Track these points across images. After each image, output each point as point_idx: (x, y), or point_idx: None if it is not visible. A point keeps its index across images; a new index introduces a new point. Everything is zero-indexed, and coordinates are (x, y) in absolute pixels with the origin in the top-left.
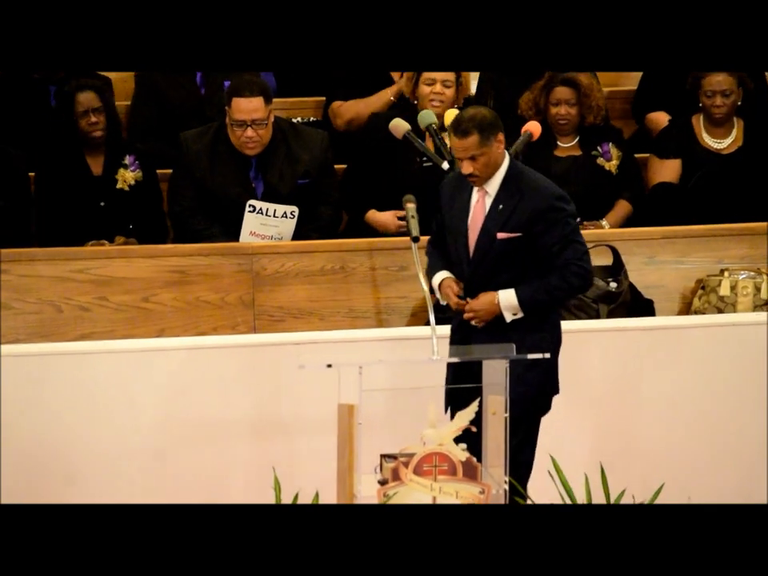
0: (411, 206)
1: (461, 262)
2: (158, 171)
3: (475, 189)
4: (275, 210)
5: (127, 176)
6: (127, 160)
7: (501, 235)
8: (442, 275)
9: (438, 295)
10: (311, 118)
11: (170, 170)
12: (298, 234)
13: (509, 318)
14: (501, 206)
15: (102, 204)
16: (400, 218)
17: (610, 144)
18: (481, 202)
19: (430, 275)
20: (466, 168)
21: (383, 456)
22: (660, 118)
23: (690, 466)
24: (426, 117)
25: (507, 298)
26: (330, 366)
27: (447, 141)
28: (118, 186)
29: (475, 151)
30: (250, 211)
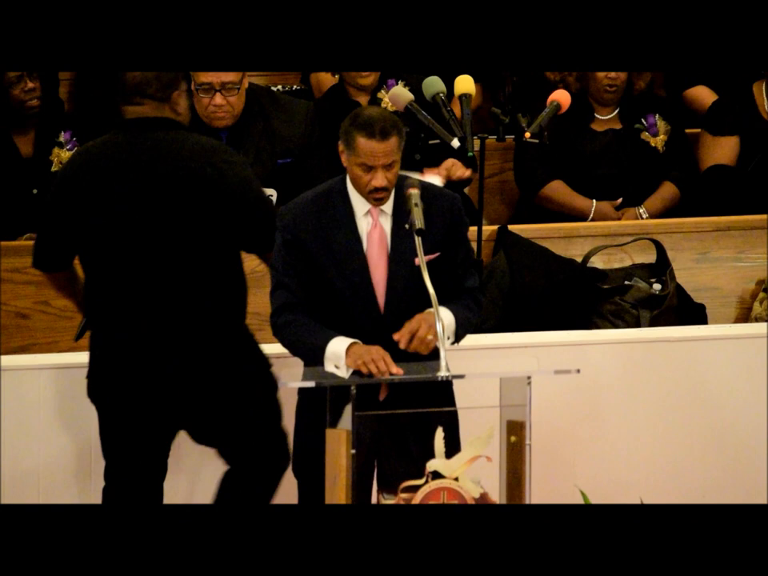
0: (415, 192)
1: (365, 311)
2: None
3: (362, 213)
4: None
5: (63, 156)
6: (62, 137)
7: (419, 260)
8: (344, 340)
9: (339, 366)
10: (294, 87)
11: None
12: None
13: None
14: (407, 224)
15: (35, 191)
16: None
17: (657, 116)
18: (378, 227)
19: (315, 347)
20: (381, 180)
21: (381, 491)
22: (701, 94)
23: (700, 471)
24: (433, 84)
25: (446, 318)
26: (317, 384)
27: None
28: (53, 168)
29: (395, 157)
30: None
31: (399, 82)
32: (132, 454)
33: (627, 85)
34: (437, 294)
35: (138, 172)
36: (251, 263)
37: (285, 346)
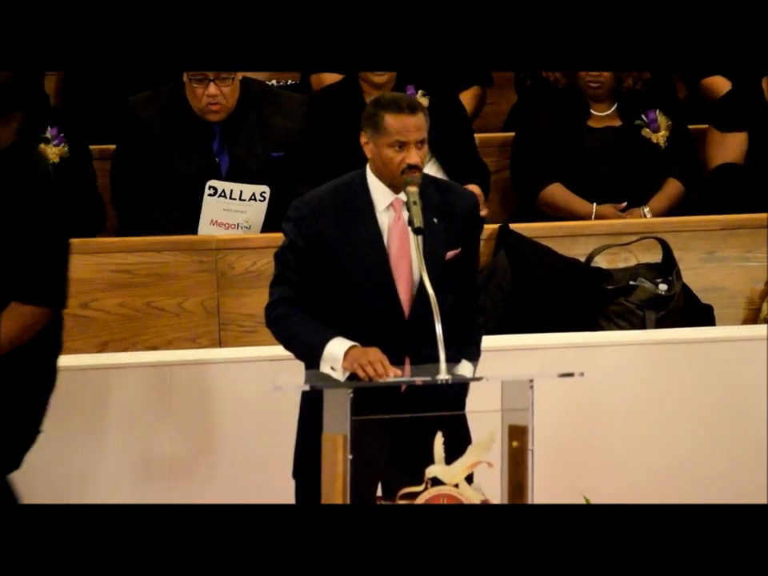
0: (413, 191)
1: (385, 305)
2: (90, 147)
3: (383, 206)
4: (241, 192)
5: (49, 152)
6: (49, 133)
7: (450, 253)
8: (343, 342)
9: (336, 368)
10: (290, 81)
11: (106, 146)
12: (270, 222)
13: None
14: (435, 219)
15: None
16: None
17: (657, 111)
18: (400, 221)
19: (312, 346)
20: (414, 156)
21: (378, 498)
22: (718, 84)
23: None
24: None
25: (468, 370)
26: (312, 387)
27: None
28: None
29: (425, 134)
30: (210, 194)
31: (418, 91)
32: None
33: (617, 82)
34: (455, 289)
35: None
36: (243, 263)
37: (278, 339)
